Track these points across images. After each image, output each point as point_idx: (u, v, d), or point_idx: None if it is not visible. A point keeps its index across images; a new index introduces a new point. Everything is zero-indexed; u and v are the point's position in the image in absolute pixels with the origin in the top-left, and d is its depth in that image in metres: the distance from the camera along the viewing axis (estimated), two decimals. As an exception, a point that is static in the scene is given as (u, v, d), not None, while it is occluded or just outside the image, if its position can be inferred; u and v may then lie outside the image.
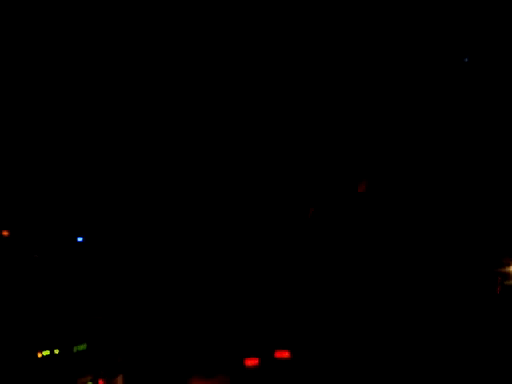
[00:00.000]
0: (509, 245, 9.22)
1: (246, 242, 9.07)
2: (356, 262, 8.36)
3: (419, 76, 10.06)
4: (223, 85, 10.33)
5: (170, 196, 9.74)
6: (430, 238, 8.23)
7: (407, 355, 7.37)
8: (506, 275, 9.38)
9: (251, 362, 7.76)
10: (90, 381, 6.48)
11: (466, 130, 9.86)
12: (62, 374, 6.24)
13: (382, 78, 9.98)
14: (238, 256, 8.83)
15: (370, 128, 9.72)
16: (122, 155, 10.10)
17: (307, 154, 10.00)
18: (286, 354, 7.72)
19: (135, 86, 10.44)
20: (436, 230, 8.41)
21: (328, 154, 9.77)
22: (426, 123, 9.91)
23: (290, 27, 9.96)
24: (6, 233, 8.99)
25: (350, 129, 9.80)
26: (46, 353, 6.10)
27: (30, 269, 8.38)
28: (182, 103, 10.32)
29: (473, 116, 9.93)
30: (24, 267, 8.40)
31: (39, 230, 9.40)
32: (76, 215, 9.75)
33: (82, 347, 6.42)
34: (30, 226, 9.40)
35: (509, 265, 9.40)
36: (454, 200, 9.02)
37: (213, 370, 7.43)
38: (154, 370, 7.65)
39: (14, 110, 10.03)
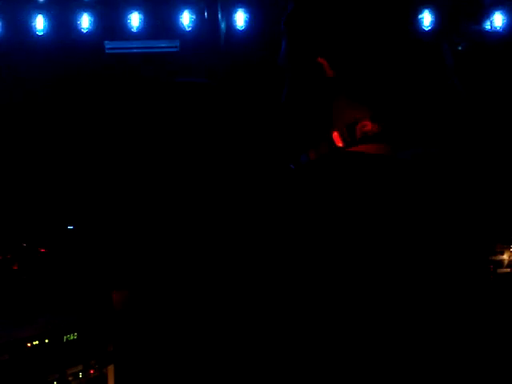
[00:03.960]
0: (501, 231, 9.21)
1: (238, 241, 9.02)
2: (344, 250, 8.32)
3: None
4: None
5: (165, 183, 9.69)
6: (420, 226, 8.20)
7: (400, 344, 7.35)
8: (499, 263, 9.38)
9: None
10: (81, 370, 6.44)
11: (457, 121, 9.87)
12: (52, 364, 6.20)
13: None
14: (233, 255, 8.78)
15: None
16: (113, 141, 10.07)
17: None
18: None
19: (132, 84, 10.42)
20: (426, 218, 8.38)
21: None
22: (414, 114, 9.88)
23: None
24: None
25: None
26: (36, 342, 6.05)
27: (18, 258, 8.34)
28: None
29: (467, 109, 9.94)
30: (12, 256, 8.36)
31: (28, 218, 9.37)
32: (67, 202, 9.72)
33: (73, 337, 6.38)
34: (19, 214, 9.37)
35: (502, 252, 9.39)
36: (446, 187, 8.98)
37: None
38: (146, 359, 7.60)
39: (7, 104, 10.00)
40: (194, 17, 9.92)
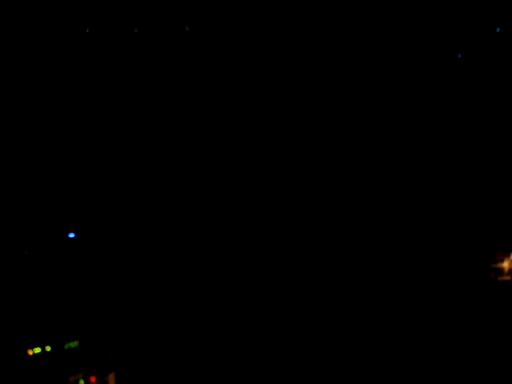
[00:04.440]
0: (501, 240, 9.20)
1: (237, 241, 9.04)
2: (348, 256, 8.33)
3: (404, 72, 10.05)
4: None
5: (164, 190, 9.68)
6: (423, 234, 8.20)
7: (399, 350, 7.35)
8: (499, 271, 9.37)
9: None
10: (82, 378, 6.43)
11: (454, 125, 9.86)
12: (54, 372, 6.19)
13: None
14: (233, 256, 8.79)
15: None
16: (114, 149, 10.04)
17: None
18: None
19: (132, 86, 10.40)
20: (428, 226, 8.38)
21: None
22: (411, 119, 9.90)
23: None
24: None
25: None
26: (38, 350, 6.05)
27: (20, 266, 8.32)
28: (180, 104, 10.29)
29: (464, 112, 9.92)
30: (14, 264, 8.34)
31: (30, 226, 9.34)
32: (67, 211, 9.68)
33: (74, 344, 6.38)
34: (21, 223, 9.33)
35: (502, 260, 9.39)
36: (447, 196, 9.00)
37: None
38: (146, 367, 7.60)
39: (9, 106, 9.97)
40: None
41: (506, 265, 9.28)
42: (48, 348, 6.17)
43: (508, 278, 9.32)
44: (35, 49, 10.01)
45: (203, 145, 9.94)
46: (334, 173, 9.25)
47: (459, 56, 10.14)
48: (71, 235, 9.22)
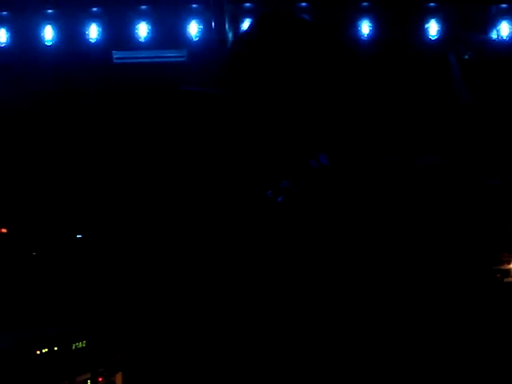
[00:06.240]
0: (507, 241, 9.21)
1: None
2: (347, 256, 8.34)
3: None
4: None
5: (170, 192, 9.73)
6: (426, 234, 8.21)
7: (403, 355, 7.36)
8: (506, 272, 9.37)
9: None
10: (89, 378, 6.47)
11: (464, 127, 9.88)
12: (61, 372, 6.23)
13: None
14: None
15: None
16: (121, 150, 10.10)
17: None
18: None
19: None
20: (432, 226, 8.39)
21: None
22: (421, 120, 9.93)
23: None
24: (3, 230, 8.99)
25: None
26: (45, 350, 6.09)
27: (28, 266, 8.38)
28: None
29: (472, 113, 9.94)
30: (22, 265, 8.40)
31: (37, 226, 9.40)
32: (75, 212, 9.74)
33: (81, 344, 6.41)
34: (28, 223, 9.40)
35: (508, 262, 9.39)
36: (450, 195, 9.00)
37: None
38: (154, 367, 7.63)
39: (12, 105, 10.03)
40: (201, 27, 9.95)
41: (512, 266, 9.29)
42: (55, 348, 6.21)
43: (514, 279, 9.32)
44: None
45: (206, 146, 9.98)
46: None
47: (466, 57, 10.17)
48: (79, 236, 9.28)
